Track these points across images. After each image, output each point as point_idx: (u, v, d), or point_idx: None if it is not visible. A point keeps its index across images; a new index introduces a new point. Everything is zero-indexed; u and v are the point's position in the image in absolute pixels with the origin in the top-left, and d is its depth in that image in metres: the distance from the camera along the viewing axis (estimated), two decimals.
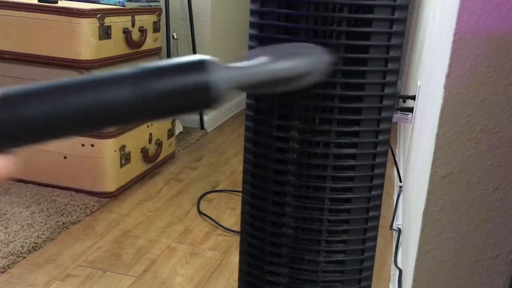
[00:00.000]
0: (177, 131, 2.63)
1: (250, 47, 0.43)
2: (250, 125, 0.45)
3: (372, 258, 0.45)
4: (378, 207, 0.44)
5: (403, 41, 0.41)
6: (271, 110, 0.42)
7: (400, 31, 0.40)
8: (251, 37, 0.43)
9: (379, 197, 0.44)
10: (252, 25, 0.43)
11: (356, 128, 0.40)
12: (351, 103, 0.40)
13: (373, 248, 0.45)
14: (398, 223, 1.68)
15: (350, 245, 0.43)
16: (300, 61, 0.38)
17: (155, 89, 0.35)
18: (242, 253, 0.47)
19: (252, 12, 0.42)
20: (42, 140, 0.35)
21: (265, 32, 0.41)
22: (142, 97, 0.35)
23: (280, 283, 0.44)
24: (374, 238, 0.44)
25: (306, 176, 0.41)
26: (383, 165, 0.43)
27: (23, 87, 0.34)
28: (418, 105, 1.54)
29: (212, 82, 0.36)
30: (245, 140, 0.47)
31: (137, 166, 2.10)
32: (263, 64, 0.38)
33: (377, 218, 0.44)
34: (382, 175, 0.44)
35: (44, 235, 1.63)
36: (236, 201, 2.01)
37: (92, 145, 1.88)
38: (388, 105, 0.42)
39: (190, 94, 0.36)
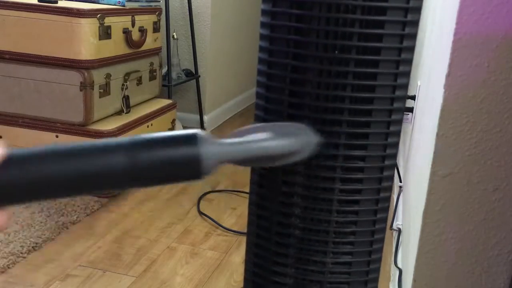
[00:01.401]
0: None
1: (261, 48, 0.43)
2: (260, 115, 0.45)
3: (379, 260, 0.45)
4: (386, 209, 0.44)
5: (415, 44, 0.42)
6: (281, 100, 0.42)
7: (413, 33, 0.40)
8: (262, 37, 0.43)
9: (388, 199, 0.44)
10: (263, 25, 0.43)
11: (366, 130, 0.40)
12: (361, 105, 0.40)
13: (380, 250, 0.45)
14: (398, 223, 1.68)
15: (358, 246, 0.43)
16: (288, 141, 0.40)
17: (146, 159, 0.38)
18: (248, 253, 0.47)
19: (263, 12, 0.42)
20: (38, 199, 0.38)
21: (276, 33, 0.41)
22: (133, 166, 0.37)
23: (286, 283, 0.44)
24: (382, 240, 0.44)
25: (315, 177, 0.41)
26: (392, 167, 0.43)
27: (25, 150, 0.37)
28: (418, 105, 1.54)
29: (201, 156, 0.38)
30: None
31: None
32: (253, 141, 0.40)
33: (385, 220, 0.44)
34: (391, 177, 0.44)
35: (44, 235, 1.63)
36: (236, 201, 2.01)
37: None
38: (399, 107, 0.42)
39: (180, 166, 0.39)
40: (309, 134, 0.40)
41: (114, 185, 0.39)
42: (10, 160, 0.35)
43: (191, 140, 0.38)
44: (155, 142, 0.38)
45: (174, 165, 0.38)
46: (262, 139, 0.40)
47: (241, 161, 0.40)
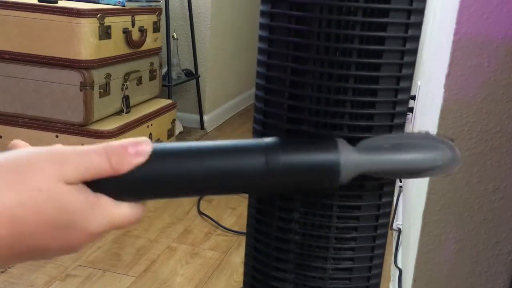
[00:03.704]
0: (177, 131, 2.63)
1: (260, 50, 0.43)
2: (259, 119, 0.44)
3: (380, 265, 0.44)
4: (388, 215, 0.43)
5: (418, 47, 0.41)
6: (280, 104, 0.41)
7: (416, 36, 0.40)
8: (261, 38, 0.42)
9: (389, 204, 0.43)
10: (262, 26, 0.42)
11: (367, 135, 0.40)
12: (362, 108, 0.40)
13: (382, 255, 0.44)
14: (398, 223, 1.68)
15: (359, 252, 0.42)
16: (428, 155, 0.37)
17: (285, 162, 0.37)
18: (247, 256, 0.47)
19: (262, 14, 0.42)
20: (176, 195, 0.38)
21: (276, 34, 0.40)
22: (272, 168, 0.36)
23: None
24: (383, 246, 0.43)
25: None
26: None
27: (168, 145, 0.37)
28: (418, 105, 1.54)
29: (341, 164, 0.37)
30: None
31: None
32: (393, 152, 0.38)
33: (386, 225, 0.43)
34: (392, 183, 0.43)
35: None
36: (236, 201, 2.01)
37: None
38: (401, 111, 0.41)
39: (318, 172, 0.37)
40: (452, 149, 0.38)
41: (250, 187, 0.38)
42: (154, 155, 0.36)
43: (331, 145, 0.37)
44: (295, 145, 0.38)
45: (313, 171, 0.37)
46: (406, 151, 0.38)
47: (379, 172, 0.39)
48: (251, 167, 0.36)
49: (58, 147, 0.37)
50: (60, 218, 0.34)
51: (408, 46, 0.39)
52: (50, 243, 0.34)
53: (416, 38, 0.40)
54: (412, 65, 0.40)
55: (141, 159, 0.35)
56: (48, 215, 0.33)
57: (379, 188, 0.42)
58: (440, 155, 0.37)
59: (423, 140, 0.38)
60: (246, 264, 0.47)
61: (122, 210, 0.36)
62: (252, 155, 0.37)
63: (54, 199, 0.33)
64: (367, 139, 0.38)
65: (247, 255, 0.47)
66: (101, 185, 0.35)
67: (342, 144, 0.37)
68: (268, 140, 0.38)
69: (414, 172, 0.38)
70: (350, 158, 0.37)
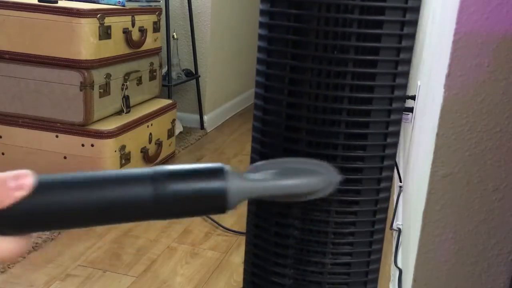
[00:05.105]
0: (177, 131, 2.63)
1: (260, 48, 0.43)
2: (258, 116, 0.45)
3: (378, 260, 0.45)
4: (385, 210, 0.44)
5: (414, 44, 0.41)
6: (279, 101, 0.42)
7: (412, 33, 0.40)
8: (260, 37, 0.43)
9: (387, 199, 0.44)
10: (261, 25, 0.43)
11: (365, 130, 0.40)
12: (360, 105, 0.40)
13: (380, 250, 0.45)
14: (398, 223, 1.68)
15: (357, 247, 0.43)
16: (312, 179, 0.40)
17: (173, 190, 0.37)
18: (247, 253, 0.47)
19: (262, 12, 0.42)
20: (61, 228, 0.37)
21: (275, 33, 0.41)
22: (159, 198, 0.37)
23: (286, 284, 0.44)
24: (381, 241, 0.44)
25: None
26: (391, 167, 0.43)
27: (53, 176, 0.37)
28: (418, 105, 1.54)
29: (228, 190, 0.38)
30: (253, 140, 0.46)
31: (137, 166, 2.10)
32: (276, 179, 0.40)
33: (384, 220, 0.44)
34: (390, 178, 0.44)
35: (44, 235, 1.63)
36: None
37: (92, 145, 1.88)
38: (397, 107, 0.42)
39: (205, 199, 0.38)
40: (331, 172, 0.40)
41: (139, 216, 0.38)
42: (38, 187, 0.35)
43: (218, 173, 0.38)
44: (182, 173, 0.38)
45: (200, 199, 0.38)
46: (287, 178, 0.40)
47: (265, 197, 0.41)
48: (138, 197, 0.37)
49: None
50: None
51: (404, 43, 0.40)
52: None
53: (412, 36, 0.40)
54: (408, 62, 0.41)
55: (23, 193, 0.34)
56: None
57: (376, 183, 0.42)
58: (321, 180, 0.40)
59: (308, 166, 0.40)
60: (246, 260, 0.47)
61: (4, 245, 0.35)
62: (140, 184, 0.37)
63: None
64: (254, 164, 0.41)
65: (247, 252, 0.47)
66: None
67: (229, 172, 0.38)
68: (156, 169, 0.38)
69: (296, 196, 0.41)
70: (236, 185, 0.38)
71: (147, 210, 0.37)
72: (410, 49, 0.41)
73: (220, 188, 0.38)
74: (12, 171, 0.35)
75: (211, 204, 0.38)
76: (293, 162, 0.41)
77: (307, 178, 0.40)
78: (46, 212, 0.36)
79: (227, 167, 0.39)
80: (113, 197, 0.36)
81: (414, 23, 0.40)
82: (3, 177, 0.35)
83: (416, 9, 0.40)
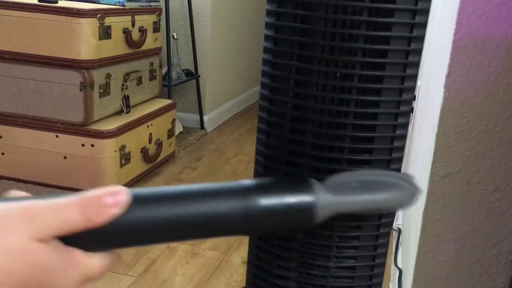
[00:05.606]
0: (177, 131, 2.63)
1: (265, 49, 0.43)
2: (263, 117, 0.45)
3: (383, 264, 0.44)
4: (390, 213, 0.43)
5: (423, 47, 0.41)
6: (285, 102, 0.41)
7: (421, 36, 0.39)
8: (266, 38, 0.42)
9: None
10: (267, 26, 0.42)
11: (371, 134, 0.40)
12: (366, 108, 0.40)
13: (384, 254, 0.44)
14: (398, 223, 1.68)
15: (361, 251, 0.42)
16: (398, 194, 0.39)
17: (264, 205, 0.36)
18: (250, 255, 0.47)
19: (268, 13, 0.42)
20: (150, 243, 0.37)
21: (281, 34, 0.40)
22: (249, 212, 0.36)
23: (289, 287, 0.43)
24: (386, 245, 0.44)
25: None
26: (397, 171, 0.43)
27: (143, 191, 0.36)
28: (418, 105, 1.54)
29: (317, 205, 0.37)
30: (257, 141, 0.46)
31: (137, 166, 2.10)
32: (363, 193, 0.39)
33: (389, 224, 0.43)
34: None
35: None
36: None
37: (92, 145, 1.88)
38: (405, 110, 0.41)
39: (294, 213, 0.37)
40: (412, 184, 0.40)
41: (228, 231, 0.37)
42: (132, 204, 0.35)
43: (306, 187, 0.37)
44: (270, 187, 0.38)
45: (290, 213, 0.37)
46: (375, 192, 0.39)
47: (351, 212, 0.39)
48: (231, 212, 0.36)
49: (30, 202, 0.35)
50: (33, 278, 0.32)
51: (413, 46, 0.39)
52: None
53: (421, 38, 0.40)
54: (416, 65, 0.40)
55: (119, 210, 0.34)
56: (19, 276, 0.32)
57: None
58: (405, 194, 0.39)
59: (388, 178, 0.40)
60: (249, 262, 0.47)
61: (96, 262, 0.35)
62: (232, 200, 0.36)
63: (26, 260, 0.32)
64: (333, 176, 0.39)
65: (250, 253, 0.47)
66: (75, 238, 0.34)
67: (317, 186, 0.38)
68: (244, 183, 0.38)
69: (383, 210, 0.40)
70: (324, 199, 0.37)
71: (238, 225, 0.37)
72: (419, 51, 0.40)
73: (309, 202, 0.37)
74: (106, 187, 0.35)
75: (300, 218, 0.37)
76: (372, 175, 0.40)
77: (394, 192, 0.39)
78: (139, 229, 0.35)
79: (313, 180, 0.38)
80: (205, 212, 0.36)
81: (424, 26, 0.39)
82: (99, 194, 0.34)
83: (426, 11, 0.39)
